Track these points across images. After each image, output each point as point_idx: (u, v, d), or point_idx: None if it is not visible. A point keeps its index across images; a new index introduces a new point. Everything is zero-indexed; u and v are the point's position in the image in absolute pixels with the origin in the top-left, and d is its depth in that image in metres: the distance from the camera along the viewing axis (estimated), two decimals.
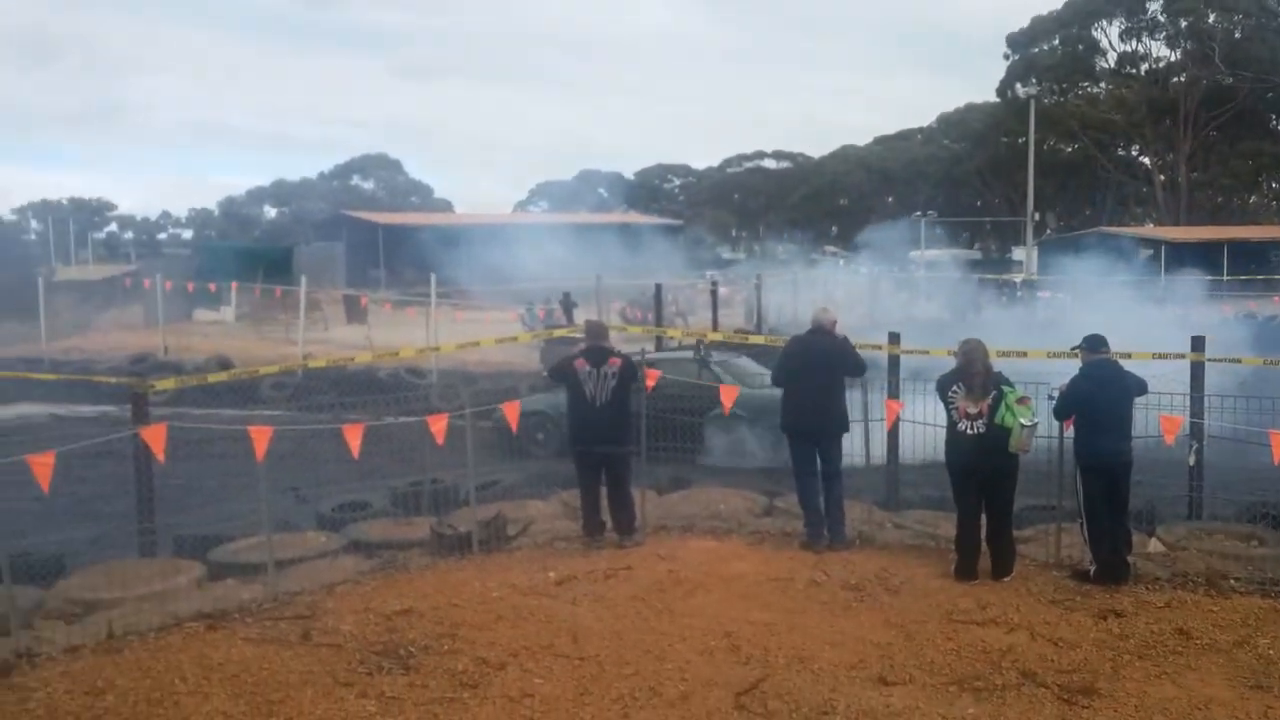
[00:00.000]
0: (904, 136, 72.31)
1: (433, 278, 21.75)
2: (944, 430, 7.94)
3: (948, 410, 7.79)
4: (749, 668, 6.06)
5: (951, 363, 8.09)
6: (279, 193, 60.58)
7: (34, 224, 59.74)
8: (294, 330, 25.07)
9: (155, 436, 7.56)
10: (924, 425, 8.81)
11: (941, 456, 8.03)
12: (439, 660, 6.18)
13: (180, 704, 5.61)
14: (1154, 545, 8.23)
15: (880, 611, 6.99)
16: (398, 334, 23.26)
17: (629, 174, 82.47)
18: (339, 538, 8.82)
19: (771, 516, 9.64)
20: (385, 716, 5.46)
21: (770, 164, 77.94)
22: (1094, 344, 7.82)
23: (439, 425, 8.47)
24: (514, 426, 9.12)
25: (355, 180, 62.66)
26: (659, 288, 21.82)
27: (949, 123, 69.64)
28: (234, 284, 30.32)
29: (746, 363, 13.85)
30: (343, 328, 28.24)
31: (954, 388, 7.74)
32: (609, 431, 8.53)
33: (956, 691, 5.74)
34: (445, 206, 59.71)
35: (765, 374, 11.24)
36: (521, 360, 20.20)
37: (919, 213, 55.17)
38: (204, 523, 9.08)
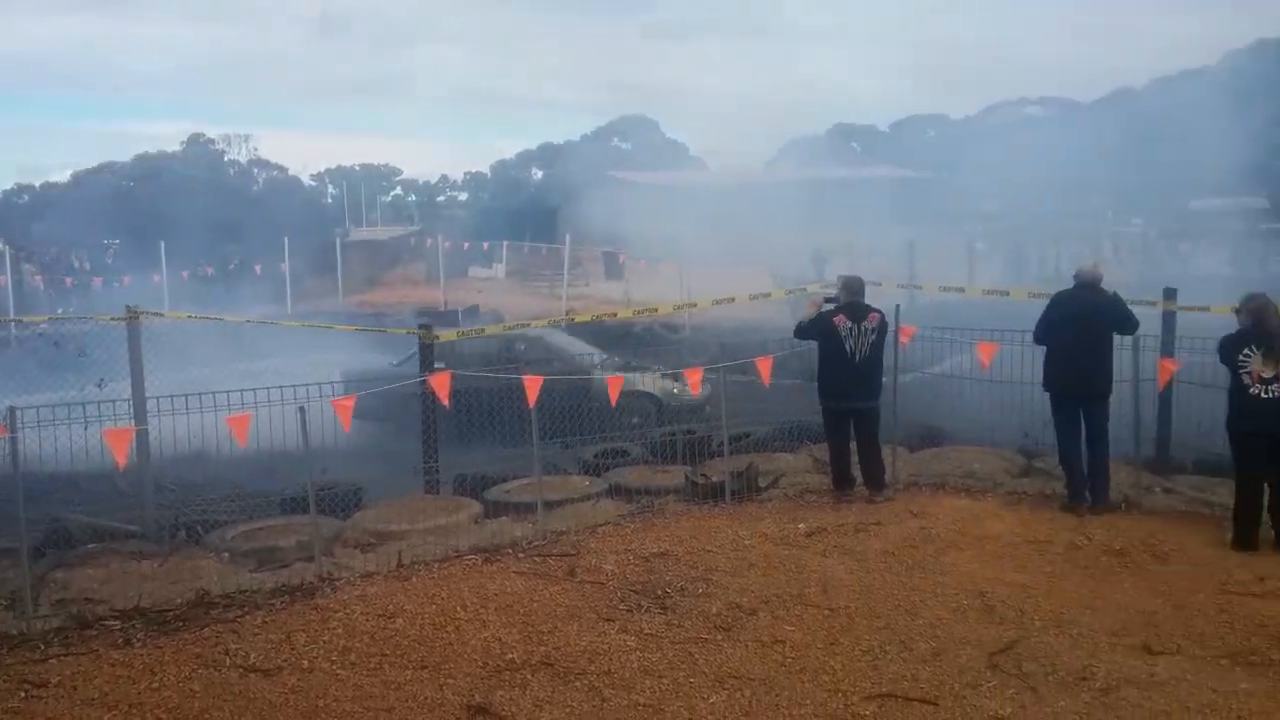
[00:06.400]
0: (1187, 77, 66.04)
1: (683, 235, 22.20)
2: (1225, 394, 7.46)
3: (1235, 373, 7.31)
4: (1003, 628, 6.00)
5: (1233, 321, 7.56)
6: (545, 155, 63.20)
7: (330, 188, 65.25)
8: (559, 286, 26.32)
9: (440, 383, 8.26)
10: (1199, 386, 8.29)
11: (1218, 420, 7.56)
12: (694, 602, 6.47)
13: (461, 629, 6.13)
14: None
15: (1146, 579, 6.72)
16: (654, 290, 23.91)
17: (883, 126, 79.91)
18: (600, 482, 9.35)
19: (1030, 477, 9.37)
20: (644, 652, 5.78)
21: (1035, 111, 73.40)
22: None
23: (695, 378, 8.78)
24: (766, 380, 9.26)
25: (615, 141, 64.33)
26: (911, 245, 21.38)
27: (1238, 60, 62.97)
28: (504, 243, 32.10)
29: None
30: (602, 283, 29.36)
31: (1246, 350, 7.24)
32: (864, 387, 8.58)
33: (1229, 664, 5.48)
34: (698, 165, 60.30)
35: None
36: (774, 317, 20.32)
37: (1197, 159, 50.13)
38: (480, 464, 9.83)
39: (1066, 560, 7.10)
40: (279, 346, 14.47)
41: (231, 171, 51.01)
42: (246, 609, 6.51)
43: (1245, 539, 7.18)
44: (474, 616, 6.32)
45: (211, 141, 53.54)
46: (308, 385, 7.86)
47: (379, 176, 70.29)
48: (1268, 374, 7.12)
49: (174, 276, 25.17)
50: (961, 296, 14.77)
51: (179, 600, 6.71)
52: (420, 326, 9.74)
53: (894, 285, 13.67)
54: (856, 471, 8.79)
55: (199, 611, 6.51)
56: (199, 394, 7.86)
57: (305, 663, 5.73)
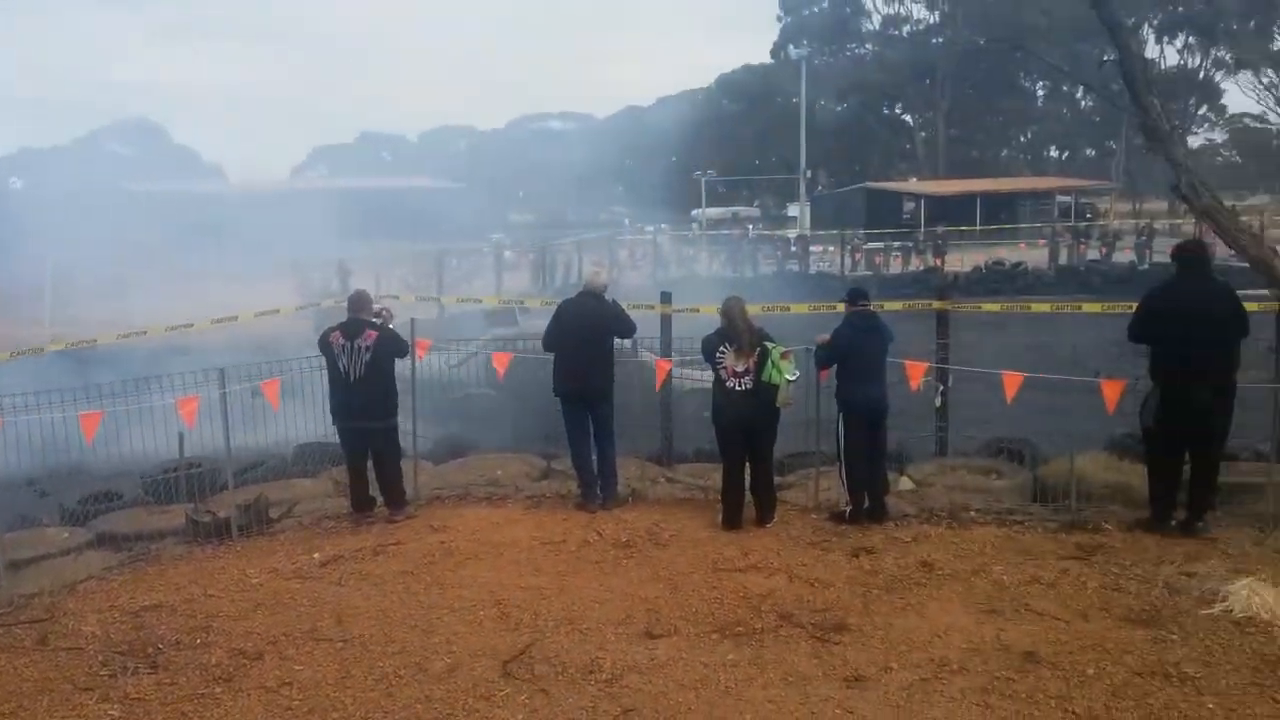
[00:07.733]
0: (685, 97, 73.65)
1: (198, 249, 20.60)
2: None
3: (715, 369, 7.97)
4: (518, 634, 6.04)
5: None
6: (26, 162, 55.72)
7: None
8: (41, 309, 23.24)
9: None
10: (695, 382, 9.00)
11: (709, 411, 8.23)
12: (190, 655, 5.86)
13: None
14: (904, 483, 8.74)
15: (649, 566, 7.11)
16: (164, 310, 21.86)
17: (413, 136, 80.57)
18: (84, 532, 8.24)
19: (549, 479, 9.64)
20: None
21: (556, 125, 77.85)
22: (855, 295, 8.20)
23: (190, 407, 8.01)
24: (275, 405, 8.70)
25: (114, 147, 58.53)
26: (441, 254, 21.50)
27: (728, 84, 71.50)
28: None
29: None
30: (101, 304, 26.32)
31: (721, 348, 7.91)
32: (366, 406, 8.24)
33: (718, 639, 5.91)
34: (215, 174, 56.63)
35: None
36: (291, 333, 19.38)
37: (699, 172, 56.42)
38: None
39: (579, 558, 7.34)
40: None
41: None
42: None
43: (732, 518, 7.87)
44: None
45: None
46: None
47: None
48: (740, 368, 7.86)
49: None
50: (478, 306, 15.10)
51: None
52: None
53: (413, 298, 13.63)
54: (377, 491, 8.51)
55: None
56: None
57: None
